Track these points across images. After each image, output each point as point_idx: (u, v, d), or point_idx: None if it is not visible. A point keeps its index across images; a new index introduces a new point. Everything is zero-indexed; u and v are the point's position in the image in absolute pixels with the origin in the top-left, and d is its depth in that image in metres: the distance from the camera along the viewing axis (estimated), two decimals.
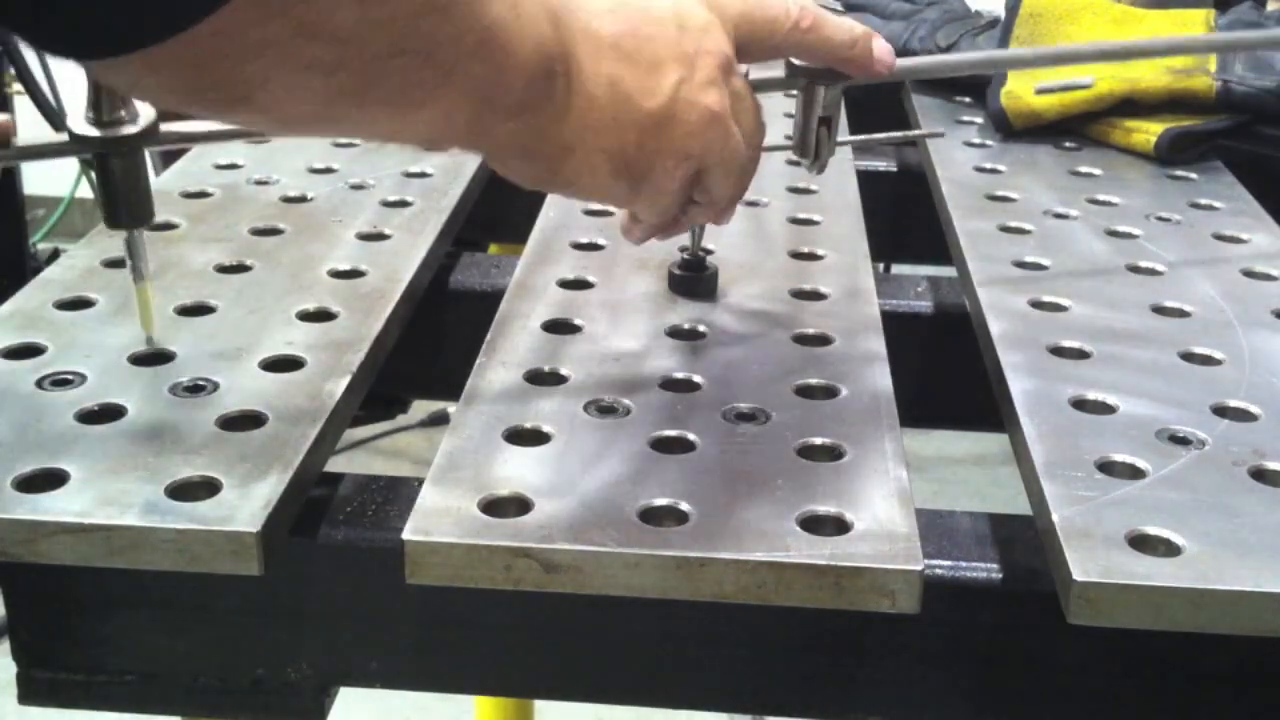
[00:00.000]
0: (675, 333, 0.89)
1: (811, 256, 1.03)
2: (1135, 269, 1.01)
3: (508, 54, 0.65)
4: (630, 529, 0.67)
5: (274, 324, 0.88)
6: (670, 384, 0.82)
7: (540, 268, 0.99)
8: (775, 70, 0.86)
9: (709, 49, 0.76)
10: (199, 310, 0.90)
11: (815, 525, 0.68)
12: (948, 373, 1.03)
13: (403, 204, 1.09)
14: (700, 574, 0.66)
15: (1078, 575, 0.63)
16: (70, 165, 3.25)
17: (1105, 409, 0.79)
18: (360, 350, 0.85)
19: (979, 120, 1.35)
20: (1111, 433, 0.76)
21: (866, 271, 1.00)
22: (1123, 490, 0.71)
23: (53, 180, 3.69)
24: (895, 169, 1.32)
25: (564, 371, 0.83)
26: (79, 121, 0.78)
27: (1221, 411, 0.79)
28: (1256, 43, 1.24)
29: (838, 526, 0.68)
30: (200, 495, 0.69)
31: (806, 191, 1.16)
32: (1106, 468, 0.73)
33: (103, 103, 0.77)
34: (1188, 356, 0.87)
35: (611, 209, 1.09)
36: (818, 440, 0.76)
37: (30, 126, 2.46)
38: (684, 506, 0.69)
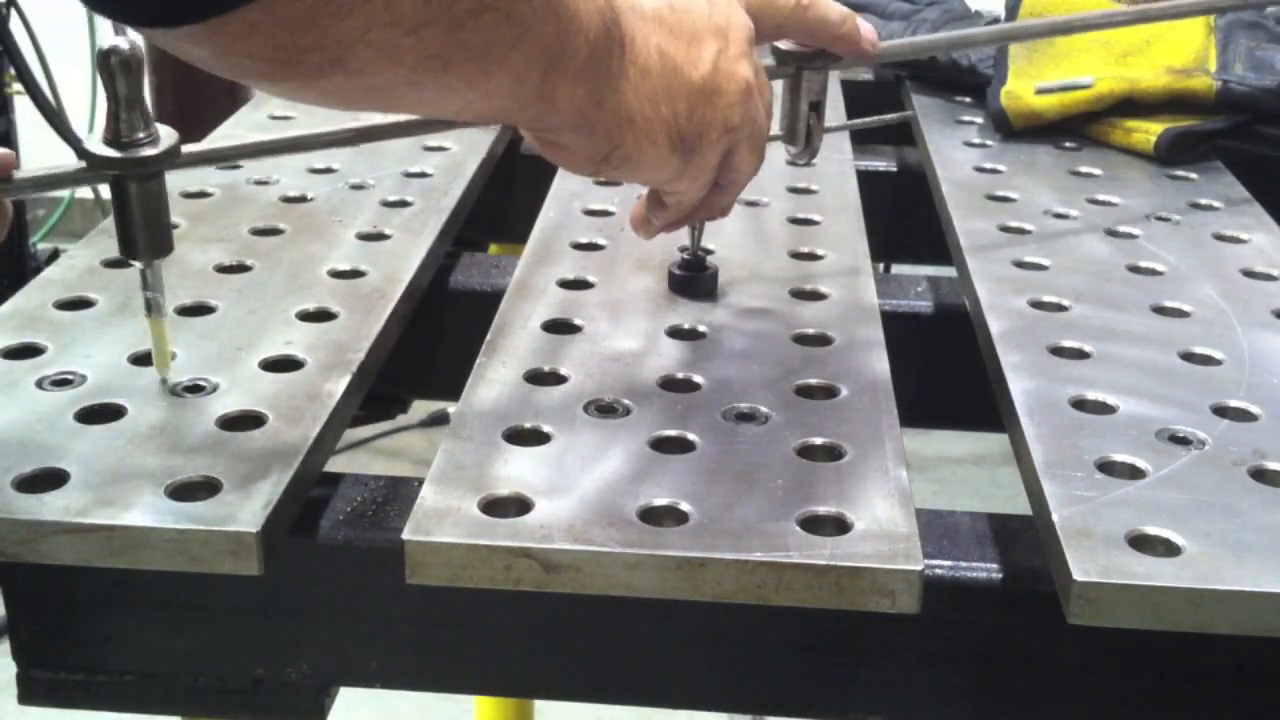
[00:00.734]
0: (675, 333, 0.89)
1: (811, 256, 1.03)
2: (1135, 269, 1.01)
3: (574, 15, 0.66)
4: (630, 529, 0.67)
5: (274, 324, 0.88)
6: (670, 384, 0.82)
7: (540, 268, 0.99)
8: (764, 59, 0.86)
9: (736, 23, 0.78)
10: (199, 310, 0.90)
11: (815, 525, 0.68)
12: (948, 373, 1.03)
13: (403, 204, 1.09)
14: (700, 574, 0.66)
15: (1078, 575, 0.63)
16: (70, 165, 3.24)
17: (1105, 409, 0.79)
18: (360, 350, 0.85)
19: (979, 120, 1.35)
20: (1111, 433, 0.76)
21: (866, 271, 1.00)
22: (1123, 490, 0.71)
23: None
24: (895, 169, 1.32)
25: (564, 371, 0.83)
26: (96, 143, 0.73)
27: (1221, 411, 0.79)
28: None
29: (838, 526, 0.68)
30: (200, 495, 0.69)
31: (806, 191, 1.16)
32: (1106, 468, 0.73)
33: (122, 121, 0.72)
34: (1188, 356, 0.87)
35: (611, 209, 1.09)
36: (818, 440, 0.76)
37: (31, 127, 2.46)
38: (684, 506, 0.69)
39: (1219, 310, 0.94)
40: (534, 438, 0.76)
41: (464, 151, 1.21)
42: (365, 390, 0.85)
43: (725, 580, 0.66)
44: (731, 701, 0.80)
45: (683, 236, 0.96)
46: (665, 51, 0.74)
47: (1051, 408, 0.79)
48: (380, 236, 1.03)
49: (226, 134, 1.26)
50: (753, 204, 1.11)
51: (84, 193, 3.66)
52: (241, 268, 0.97)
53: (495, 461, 0.73)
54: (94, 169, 0.73)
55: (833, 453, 0.75)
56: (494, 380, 0.82)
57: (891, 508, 0.69)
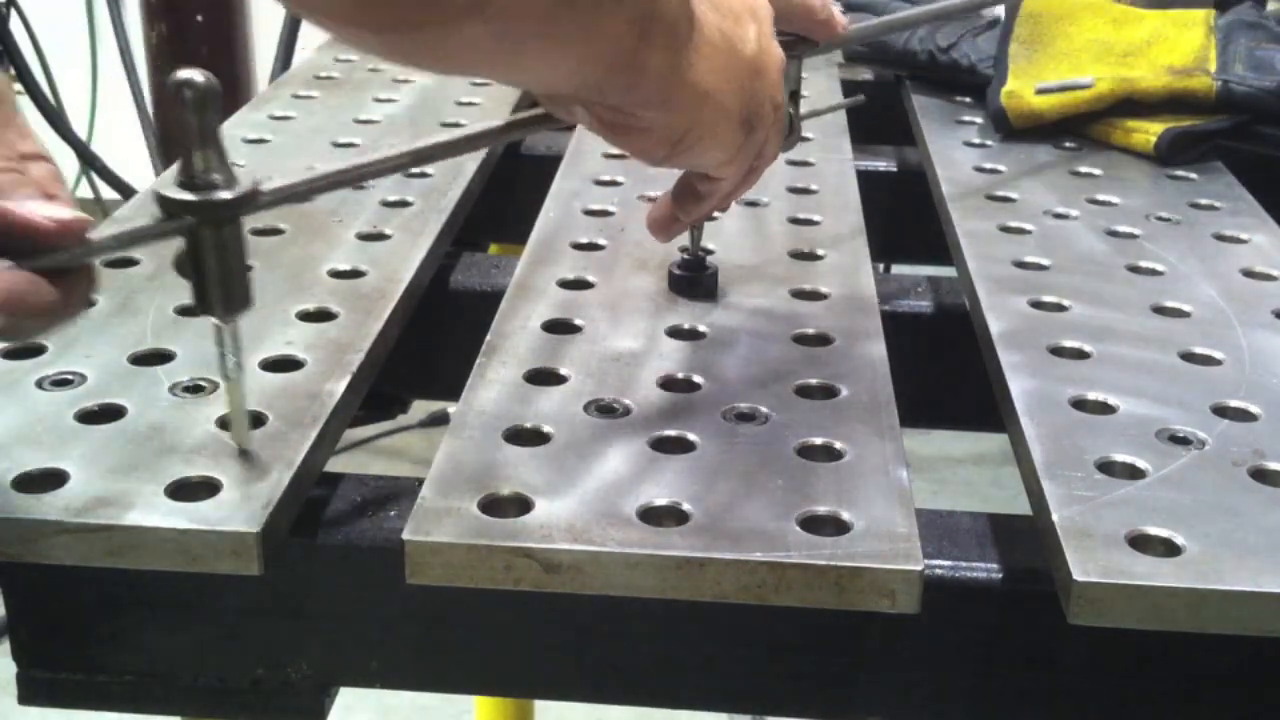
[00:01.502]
0: (675, 333, 0.89)
1: (811, 256, 1.03)
2: (1135, 269, 1.01)
3: None
4: (630, 529, 0.67)
5: (274, 324, 0.88)
6: (670, 384, 0.82)
7: (540, 268, 0.99)
8: None
9: (761, 4, 0.80)
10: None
11: (815, 525, 0.68)
12: (948, 373, 1.03)
13: (403, 204, 1.09)
14: (700, 574, 0.66)
15: (1078, 575, 0.63)
16: (70, 166, 3.25)
17: (1105, 409, 0.79)
18: (360, 350, 0.85)
19: (979, 120, 1.35)
20: (1111, 433, 0.76)
21: (866, 271, 1.00)
22: (1123, 490, 0.71)
23: None
24: (895, 169, 1.32)
25: (564, 371, 0.83)
26: (170, 186, 0.65)
27: (1221, 411, 0.79)
28: None
29: (837, 526, 0.68)
30: (200, 495, 0.69)
31: (806, 191, 1.16)
32: (1106, 468, 0.73)
33: (198, 161, 0.65)
34: (1188, 356, 0.87)
35: (611, 209, 1.09)
36: (817, 440, 0.76)
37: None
38: (684, 506, 0.69)
39: (1219, 310, 0.94)
40: (534, 438, 0.76)
41: None
42: (365, 390, 0.85)
43: (725, 580, 0.66)
44: (731, 701, 0.80)
45: (682, 236, 0.96)
46: (721, 28, 0.75)
47: (1051, 408, 0.79)
48: (380, 236, 1.03)
49: (227, 134, 1.26)
50: (753, 204, 1.11)
51: (84, 192, 3.65)
52: None
53: (495, 461, 0.73)
54: (172, 216, 0.65)
55: (833, 453, 0.75)
56: (494, 380, 0.82)
57: (891, 508, 0.69)
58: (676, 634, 0.77)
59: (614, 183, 1.15)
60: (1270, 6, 1.55)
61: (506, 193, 1.28)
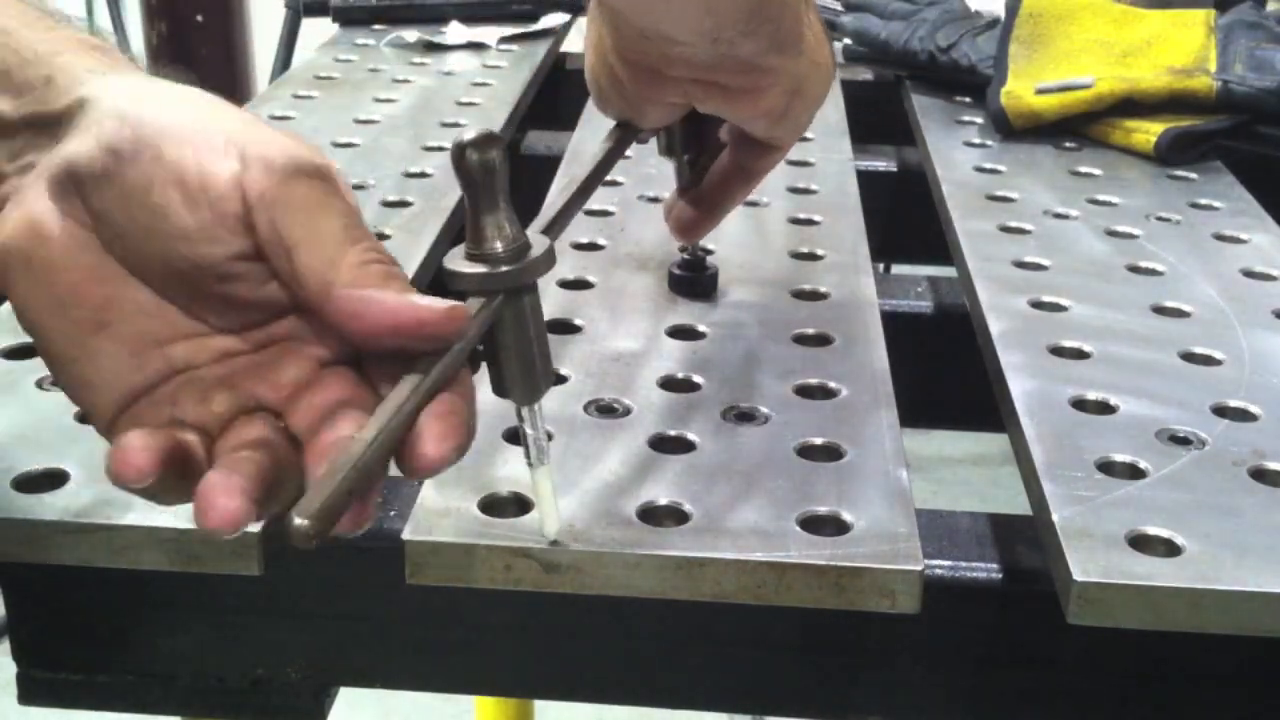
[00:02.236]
0: (675, 333, 0.89)
1: (811, 256, 1.03)
2: (1135, 269, 1.01)
3: None
4: (630, 529, 0.67)
5: None
6: (670, 384, 0.82)
7: None
8: None
9: None
10: None
11: (815, 525, 0.68)
12: (948, 373, 1.03)
13: (403, 204, 1.09)
14: (700, 574, 0.66)
15: (1078, 575, 0.63)
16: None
17: (1105, 409, 0.79)
18: None
19: (979, 120, 1.35)
20: (1111, 433, 0.76)
21: (866, 271, 1.00)
22: (1123, 490, 0.71)
23: None
24: (895, 169, 1.32)
25: (564, 371, 0.83)
26: (457, 260, 0.59)
27: (1221, 411, 0.79)
28: None
29: (838, 526, 0.68)
30: None
31: (806, 191, 1.16)
32: (1106, 468, 0.73)
33: (488, 228, 0.59)
34: (1188, 356, 0.87)
35: (611, 209, 1.09)
36: (818, 440, 0.76)
37: None
38: (684, 506, 0.69)
39: (1219, 310, 0.94)
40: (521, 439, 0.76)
41: None
42: None
43: (725, 580, 0.66)
44: (731, 701, 0.80)
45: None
46: None
47: (1051, 408, 0.79)
48: (380, 236, 1.03)
49: None
50: (753, 204, 1.11)
51: None
52: None
53: (495, 461, 0.73)
54: (467, 291, 0.58)
55: (833, 453, 0.75)
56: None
57: (891, 508, 0.69)
58: (676, 634, 0.77)
59: (614, 183, 1.15)
60: (1270, 6, 1.55)
61: None
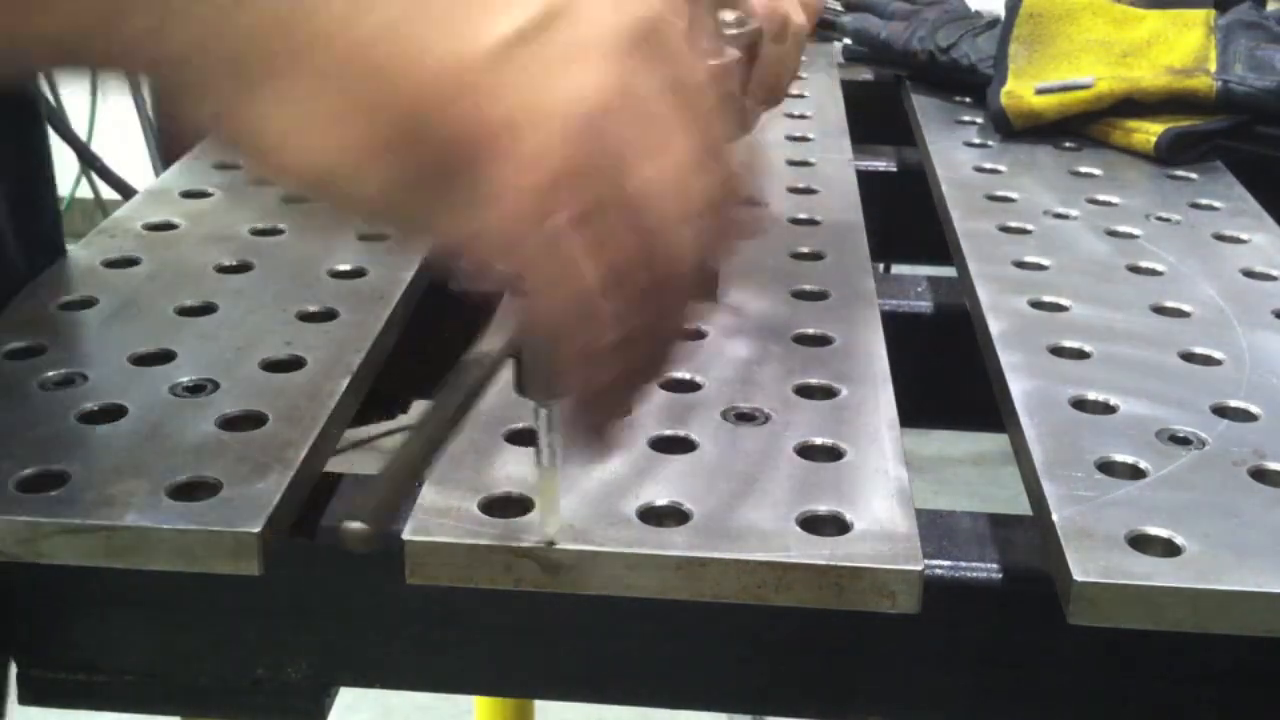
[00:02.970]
0: None
1: (811, 256, 1.03)
2: (1135, 269, 1.01)
3: None
4: (630, 529, 0.67)
5: (274, 324, 0.88)
6: (670, 384, 0.82)
7: None
8: None
9: None
10: (199, 310, 0.90)
11: (815, 525, 0.68)
12: (948, 373, 1.03)
13: None
14: (700, 574, 0.65)
15: (1078, 575, 0.63)
16: (70, 166, 3.24)
17: (1105, 409, 0.79)
18: (360, 350, 0.85)
19: (979, 120, 1.35)
20: (1111, 433, 0.76)
21: (866, 271, 1.00)
22: (1123, 490, 0.71)
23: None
24: (895, 169, 1.32)
25: None
26: None
27: (1221, 411, 0.79)
28: None
29: (838, 526, 0.68)
30: (200, 495, 0.69)
31: (807, 191, 1.16)
32: (1106, 468, 0.73)
33: None
34: (1188, 356, 0.87)
35: None
36: (818, 440, 0.76)
37: None
38: (684, 506, 0.69)
39: (1219, 310, 0.94)
40: (534, 438, 0.76)
41: None
42: (365, 390, 0.85)
43: (725, 580, 0.65)
44: (731, 701, 0.80)
45: None
46: None
47: (1051, 408, 0.79)
48: (380, 236, 1.03)
49: None
50: (753, 204, 1.11)
51: (84, 192, 3.66)
52: (242, 268, 0.97)
53: (495, 461, 0.73)
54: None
55: (833, 453, 0.75)
56: (494, 380, 0.82)
57: (891, 508, 0.69)
58: (676, 634, 0.77)
59: None
60: (1270, 6, 1.55)
61: None
